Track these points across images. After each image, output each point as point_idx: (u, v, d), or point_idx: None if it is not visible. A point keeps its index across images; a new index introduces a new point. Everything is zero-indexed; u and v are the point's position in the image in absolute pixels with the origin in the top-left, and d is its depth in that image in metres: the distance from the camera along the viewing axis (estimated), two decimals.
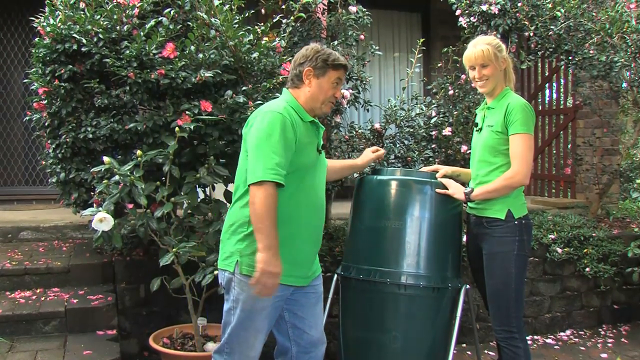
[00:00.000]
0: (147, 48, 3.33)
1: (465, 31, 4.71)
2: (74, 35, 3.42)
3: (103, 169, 3.09)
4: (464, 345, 4.42)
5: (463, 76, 4.53)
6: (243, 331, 2.49)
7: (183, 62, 3.34)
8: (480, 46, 2.94)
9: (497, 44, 2.97)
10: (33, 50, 3.70)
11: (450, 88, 4.63)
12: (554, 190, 6.74)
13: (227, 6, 3.53)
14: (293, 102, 2.55)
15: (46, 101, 3.68)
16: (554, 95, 6.97)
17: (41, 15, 3.65)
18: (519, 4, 4.53)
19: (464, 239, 3.25)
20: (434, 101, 4.61)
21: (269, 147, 2.36)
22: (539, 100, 7.01)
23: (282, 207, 2.40)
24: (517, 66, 4.73)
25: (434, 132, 4.38)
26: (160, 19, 3.48)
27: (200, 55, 3.40)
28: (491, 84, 2.97)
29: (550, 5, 4.60)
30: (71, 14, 3.54)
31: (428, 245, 3.07)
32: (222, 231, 2.59)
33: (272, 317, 2.55)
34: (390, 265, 3.03)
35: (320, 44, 2.74)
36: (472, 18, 4.65)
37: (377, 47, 4.48)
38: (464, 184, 3.16)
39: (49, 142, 3.87)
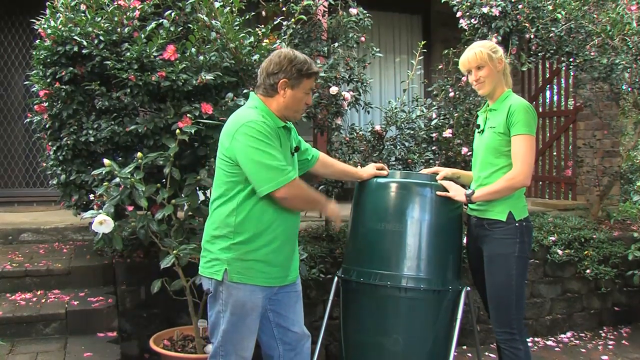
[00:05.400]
0: (148, 50, 3.33)
1: (466, 33, 4.71)
2: (75, 37, 3.42)
3: (104, 171, 3.08)
4: (465, 347, 4.42)
5: (464, 78, 4.52)
6: (236, 333, 2.53)
7: (184, 65, 3.34)
8: (473, 49, 2.95)
9: (491, 46, 2.97)
10: (34, 53, 3.71)
11: (450, 90, 4.63)
12: (554, 192, 6.75)
13: (228, 8, 3.53)
14: (264, 109, 2.53)
15: (47, 103, 3.69)
16: (555, 97, 6.98)
17: (42, 18, 3.65)
18: (520, 6, 4.53)
19: (464, 240, 3.25)
20: (434, 103, 4.61)
21: (266, 154, 2.40)
22: (540, 102, 7.01)
23: (260, 213, 2.48)
24: (518, 68, 4.73)
25: (434, 134, 4.38)
26: (161, 21, 3.48)
27: (201, 58, 3.40)
28: (489, 86, 2.96)
29: (551, 7, 4.59)
30: (72, 16, 3.54)
31: (428, 248, 3.06)
32: (204, 234, 2.61)
33: (260, 316, 2.61)
34: (390, 268, 3.03)
35: (291, 48, 2.72)
36: (472, 20, 4.64)
37: (377, 49, 4.48)
38: (464, 186, 3.16)
39: (49, 144, 3.87)
